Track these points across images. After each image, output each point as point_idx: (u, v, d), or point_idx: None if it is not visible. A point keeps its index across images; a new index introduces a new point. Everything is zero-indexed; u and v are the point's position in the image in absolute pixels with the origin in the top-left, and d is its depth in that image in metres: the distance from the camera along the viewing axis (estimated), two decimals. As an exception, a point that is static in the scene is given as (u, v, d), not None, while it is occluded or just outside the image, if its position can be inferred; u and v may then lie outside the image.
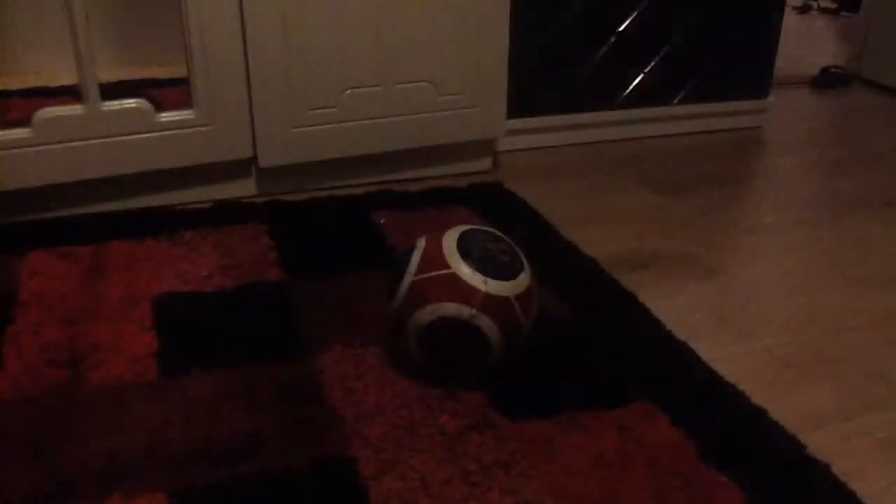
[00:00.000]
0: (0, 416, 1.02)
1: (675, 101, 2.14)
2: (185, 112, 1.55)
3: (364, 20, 1.60)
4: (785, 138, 2.20)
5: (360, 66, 1.63)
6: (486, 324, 1.03)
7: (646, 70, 2.07)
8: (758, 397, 1.09)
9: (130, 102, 1.51)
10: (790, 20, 3.48)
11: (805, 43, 3.24)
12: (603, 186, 1.82)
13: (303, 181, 1.72)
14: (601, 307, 1.31)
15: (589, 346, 1.21)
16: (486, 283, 1.03)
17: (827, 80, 2.68)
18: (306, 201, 1.66)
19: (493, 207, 1.66)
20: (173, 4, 1.49)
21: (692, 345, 1.21)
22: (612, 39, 2.01)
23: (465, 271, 1.03)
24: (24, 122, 1.46)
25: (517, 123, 1.97)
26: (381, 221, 1.58)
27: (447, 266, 1.04)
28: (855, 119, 2.40)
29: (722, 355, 1.20)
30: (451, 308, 1.02)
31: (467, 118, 1.76)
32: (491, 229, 1.13)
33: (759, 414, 1.06)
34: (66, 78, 1.73)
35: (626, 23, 2.01)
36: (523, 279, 1.07)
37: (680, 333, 1.24)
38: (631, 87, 2.08)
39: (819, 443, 1.02)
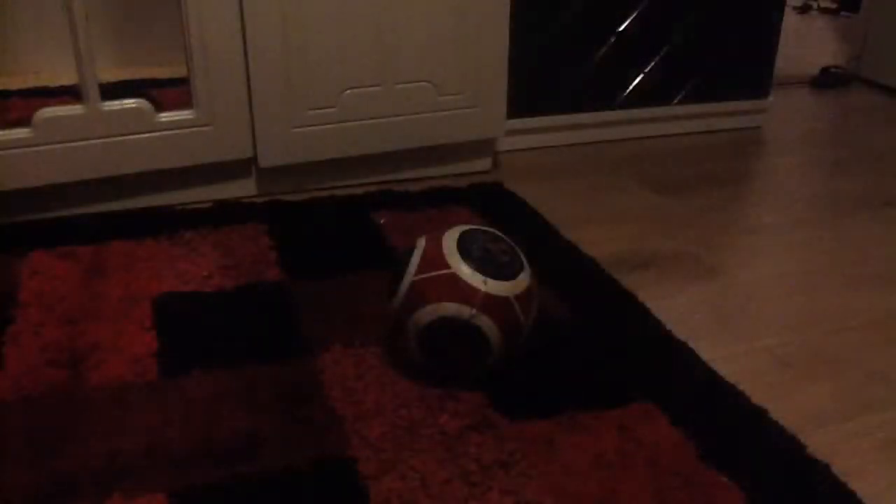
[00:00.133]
0: (0, 416, 1.02)
1: (675, 101, 2.14)
2: (185, 112, 1.55)
3: (364, 20, 1.60)
4: (785, 138, 2.20)
5: (360, 66, 1.63)
6: (486, 324, 1.03)
7: (646, 70, 2.07)
8: (758, 397, 1.09)
9: (130, 102, 1.51)
10: (790, 20, 3.48)
11: (805, 43, 3.24)
12: (603, 186, 1.82)
13: (303, 181, 1.72)
14: (601, 307, 1.31)
15: (589, 346, 1.21)
16: (486, 283, 1.03)
17: (827, 80, 2.68)
18: (306, 201, 1.66)
19: (493, 207, 1.66)
20: (173, 4, 1.50)
21: (692, 345, 1.21)
22: (612, 39, 2.01)
23: (465, 271, 1.04)
24: (24, 122, 1.46)
25: (517, 123, 1.97)
26: (381, 221, 1.58)
27: (447, 266, 1.04)
28: (855, 119, 2.40)
29: (722, 355, 1.20)
30: (451, 308, 1.02)
31: (467, 118, 1.76)
32: (491, 229, 1.13)
33: (759, 414, 1.06)
34: (66, 78, 1.73)
35: (626, 23, 2.01)
36: (523, 279, 1.07)
37: (680, 333, 1.24)
38: (631, 87, 2.08)
39: (819, 443, 1.02)
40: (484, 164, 1.87)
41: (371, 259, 1.43)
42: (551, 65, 1.98)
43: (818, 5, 3.85)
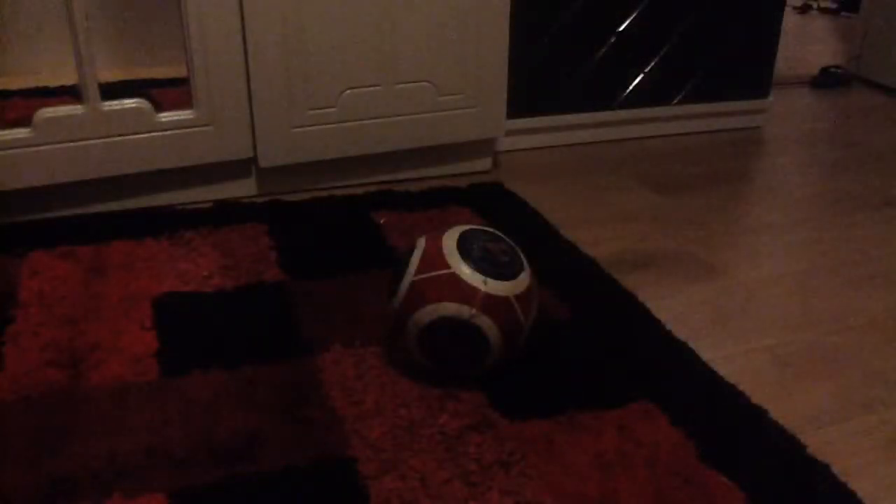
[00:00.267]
0: (0, 416, 1.02)
1: (675, 101, 2.14)
2: (185, 112, 1.55)
3: (364, 20, 1.60)
4: (785, 138, 2.20)
5: (360, 66, 1.63)
6: (486, 324, 1.03)
7: (646, 70, 2.07)
8: (758, 397, 1.09)
9: (130, 102, 1.51)
10: (790, 20, 3.48)
11: (805, 43, 3.25)
12: (603, 186, 1.82)
13: (303, 181, 1.72)
14: (601, 307, 1.31)
15: (589, 346, 1.21)
16: (485, 283, 1.03)
17: (827, 80, 2.68)
18: (306, 201, 1.66)
19: (493, 207, 1.66)
20: (173, 4, 1.50)
21: (692, 345, 1.21)
22: (612, 39, 2.01)
23: (465, 271, 1.04)
24: (24, 122, 1.46)
25: (517, 123, 1.97)
26: (381, 221, 1.58)
27: (447, 266, 1.04)
28: (855, 119, 2.40)
29: (722, 355, 1.20)
30: (451, 308, 1.03)
31: (467, 118, 1.76)
32: (491, 229, 1.13)
33: (759, 414, 1.06)
34: (66, 78, 1.73)
35: (626, 23, 2.01)
36: (523, 279, 1.07)
37: (680, 333, 1.24)
38: (631, 87, 2.08)
39: (819, 443, 1.02)
40: (484, 164, 1.87)
41: (371, 259, 1.43)
42: (551, 65, 1.98)
43: (818, 5, 3.85)
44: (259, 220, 1.56)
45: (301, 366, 1.13)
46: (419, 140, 1.74)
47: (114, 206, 1.60)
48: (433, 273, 1.04)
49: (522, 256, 1.10)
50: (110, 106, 1.50)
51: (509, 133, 1.95)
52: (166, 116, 1.54)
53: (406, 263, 1.07)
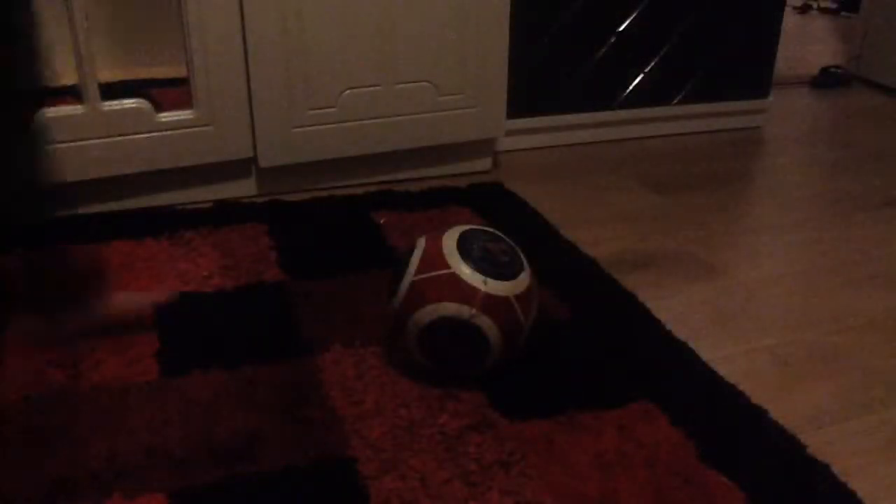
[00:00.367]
0: (0, 416, 1.02)
1: (675, 101, 2.14)
2: (185, 112, 1.55)
3: (364, 20, 1.60)
4: (785, 138, 2.20)
5: (360, 66, 1.63)
6: (486, 324, 1.03)
7: (646, 70, 2.07)
8: (758, 397, 1.09)
9: (130, 102, 1.52)
10: (790, 20, 3.48)
11: (805, 43, 3.25)
12: (603, 186, 1.82)
13: (303, 181, 1.72)
14: (601, 307, 1.31)
15: (589, 346, 1.21)
16: (485, 283, 1.03)
17: (827, 80, 2.68)
18: (306, 201, 1.66)
19: (493, 207, 1.66)
20: (173, 4, 1.49)
21: (692, 345, 1.21)
22: (612, 39, 2.01)
23: (465, 271, 1.04)
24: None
25: (517, 123, 1.97)
26: (381, 221, 1.58)
27: (447, 266, 1.04)
28: (855, 119, 2.40)
29: (722, 355, 1.20)
30: (451, 308, 1.03)
31: (467, 118, 1.76)
32: (491, 229, 1.13)
33: (759, 414, 1.06)
34: (66, 78, 1.73)
35: (626, 23, 2.01)
36: (523, 279, 1.07)
37: (680, 333, 1.24)
38: (631, 87, 2.08)
39: (819, 443, 1.02)
40: (484, 164, 1.87)
41: (371, 259, 1.43)
42: (551, 65, 1.98)
43: (818, 5, 3.85)
44: (259, 220, 1.56)
45: (301, 366, 1.13)
46: (419, 140, 1.74)
47: (114, 206, 1.60)
48: (433, 273, 1.04)
49: (522, 256, 1.10)
50: (110, 106, 1.50)
51: (509, 133, 1.95)
52: (166, 116, 1.54)
53: (406, 263, 1.07)
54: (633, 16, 2.01)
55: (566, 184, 1.83)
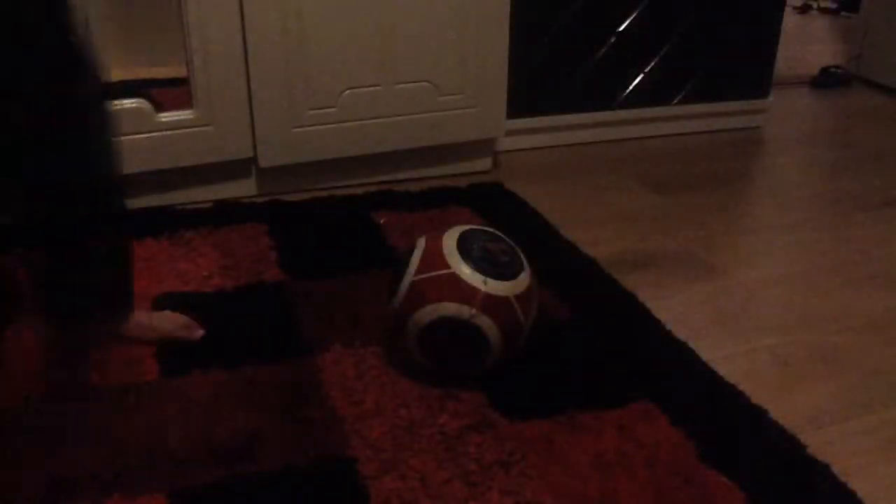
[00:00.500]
0: (0, 416, 1.02)
1: (675, 101, 2.14)
2: (185, 112, 1.55)
3: (364, 20, 1.60)
4: (785, 138, 2.20)
5: (360, 66, 1.63)
6: (486, 324, 1.03)
7: (646, 70, 2.07)
8: (758, 397, 1.09)
9: (130, 102, 1.52)
10: (790, 20, 3.48)
11: (805, 43, 3.24)
12: (603, 186, 1.82)
13: (303, 181, 1.72)
14: (601, 307, 1.31)
15: (589, 346, 1.21)
16: (485, 283, 1.03)
17: (827, 80, 2.68)
18: (306, 201, 1.66)
19: (493, 207, 1.66)
20: (173, 5, 1.49)
21: (692, 345, 1.21)
22: (612, 39, 2.01)
23: (465, 271, 1.03)
24: (24, 122, 1.46)
25: (517, 123, 1.97)
26: (381, 221, 1.58)
27: (447, 266, 1.04)
28: (855, 119, 2.40)
29: (722, 355, 1.20)
30: (451, 308, 1.02)
31: (467, 118, 1.76)
32: (491, 229, 1.13)
33: (759, 414, 1.06)
34: (66, 78, 1.73)
35: (626, 23, 2.01)
36: (523, 279, 1.07)
37: (680, 333, 1.24)
38: (631, 87, 2.08)
39: (819, 443, 1.02)
40: (484, 164, 1.87)
41: (371, 259, 1.43)
42: (551, 65, 1.98)
43: (818, 5, 3.85)
44: (259, 220, 1.56)
45: (301, 366, 1.13)
46: (419, 140, 1.74)
47: (114, 206, 1.60)
48: (433, 273, 1.04)
49: (522, 256, 1.10)
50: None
51: (509, 133, 1.95)
52: (166, 116, 1.54)
53: (406, 263, 1.07)
54: (633, 16, 2.01)
55: (566, 184, 1.83)
